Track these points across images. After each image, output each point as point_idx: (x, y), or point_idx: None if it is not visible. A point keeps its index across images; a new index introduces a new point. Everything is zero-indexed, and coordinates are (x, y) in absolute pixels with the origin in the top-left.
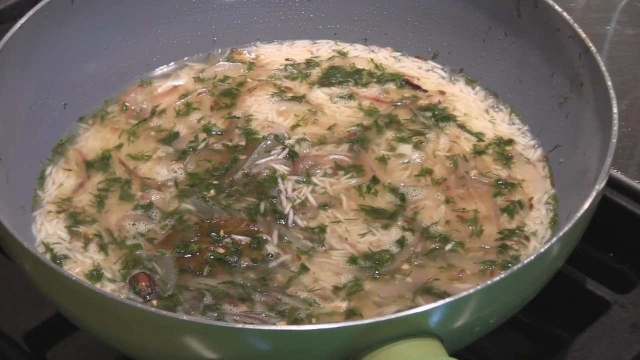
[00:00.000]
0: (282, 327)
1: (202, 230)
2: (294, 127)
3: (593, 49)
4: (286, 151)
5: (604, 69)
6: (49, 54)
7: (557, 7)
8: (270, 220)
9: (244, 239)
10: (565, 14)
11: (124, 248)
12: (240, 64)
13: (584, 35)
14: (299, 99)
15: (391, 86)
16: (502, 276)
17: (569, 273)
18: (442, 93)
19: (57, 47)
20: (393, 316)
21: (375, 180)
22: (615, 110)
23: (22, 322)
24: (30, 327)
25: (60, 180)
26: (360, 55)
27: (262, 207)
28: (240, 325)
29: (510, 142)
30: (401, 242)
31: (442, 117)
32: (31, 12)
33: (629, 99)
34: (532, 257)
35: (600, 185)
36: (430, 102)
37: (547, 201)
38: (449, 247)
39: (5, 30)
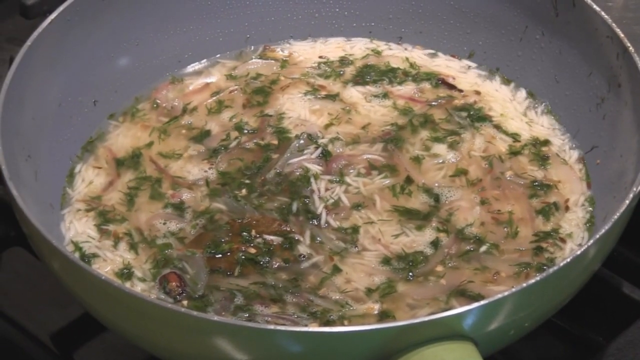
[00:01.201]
0: (314, 328)
1: (233, 230)
2: (327, 126)
3: (631, 48)
4: (319, 150)
5: None
6: (79, 49)
7: (594, 6)
8: (302, 220)
9: (275, 239)
10: (603, 13)
11: (154, 247)
12: (272, 61)
13: (622, 35)
14: (333, 97)
15: (426, 85)
16: (538, 279)
17: (605, 276)
18: (478, 93)
19: (87, 43)
20: (426, 318)
21: (409, 180)
22: None
23: (49, 322)
24: (57, 327)
25: (89, 178)
26: (394, 53)
27: (294, 206)
28: (272, 327)
29: (546, 142)
30: (435, 244)
31: (477, 117)
32: (61, 8)
33: None
34: (568, 260)
35: (637, 188)
36: (465, 101)
37: (583, 203)
38: (483, 248)
39: (35, 25)
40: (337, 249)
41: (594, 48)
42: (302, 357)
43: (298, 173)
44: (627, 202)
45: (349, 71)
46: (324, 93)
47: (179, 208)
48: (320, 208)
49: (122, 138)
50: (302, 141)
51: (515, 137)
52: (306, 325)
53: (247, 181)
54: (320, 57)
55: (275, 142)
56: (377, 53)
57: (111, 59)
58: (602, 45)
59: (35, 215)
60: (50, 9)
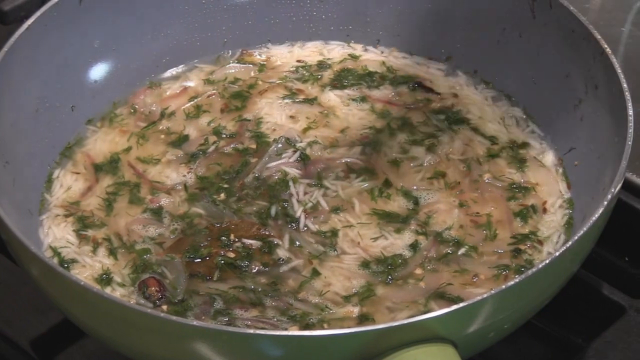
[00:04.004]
0: (294, 332)
1: (212, 234)
2: (305, 130)
3: (608, 50)
4: (297, 154)
5: (619, 70)
6: (57, 55)
7: (571, 8)
8: (281, 224)
9: (254, 243)
10: (580, 14)
11: (133, 252)
12: (250, 65)
13: (598, 37)
14: (311, 101)
15: (403, 88)
16: (516, 280)
17: (584, 277)
18: (455, 95)
19: (64, 48)
20: (405, 321)
21: (387, 184)
22: (631, 112)
23: (29, 327)
24: (37, 333)
25: (67, 184)
26: (372, 57)
27: (273, 210)
28: (251, 331)
29: (524, 145)
30: (414, 246)
31: (455, 119)
32: (38, 13)
33: None
34: (547, 261)
35: (615, 189)
36: (443, 104)
37: (561, 205)
38: (462, 251)
39: (12, 31)
40: (316, 253)
41: (571, 50)
42: None
43: (276, 177)
44: (605, 203)
45: (327, 75)
46: (302, 97)
47: (158, 213)
48: (299, 212)
49: (100, 143)
50: (280, 145)
51: (493, 139)
52: (286, 329)
53: (226, 185)
54: (298, 61)
55: (254, 146)
56: (355, 57)
57: (89, 64)
58: (580, 47)
59: (14, 221)
60: (27, 14)
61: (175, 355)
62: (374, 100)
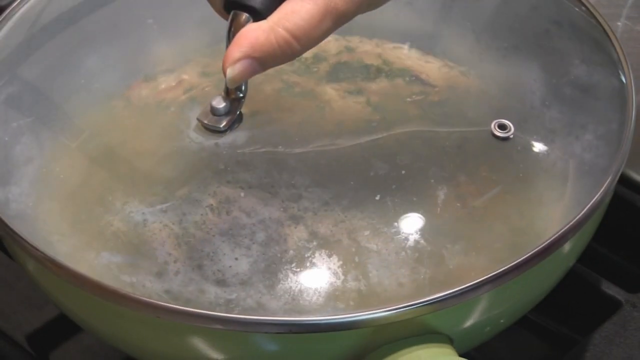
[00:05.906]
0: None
1: None
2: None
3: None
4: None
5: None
6: (50, 48)
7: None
8: None
9: None
10: (576, 9)
11: None
12: None
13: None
14: (306, 94)
15: (399, 81)
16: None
17: (580, 272)
18: (452, 88)
19: (58, 41)
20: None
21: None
22: None
23: (24, 322)
24: (33, 328)
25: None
26: (368, 49)
27: None
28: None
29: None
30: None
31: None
32: (28, 4)
33: None
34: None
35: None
36: (439, 97)
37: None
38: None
39: (3, 24)
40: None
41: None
42: (275, 356)
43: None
44: (602, 198)
45: (323, 68)
46: (298, 90)
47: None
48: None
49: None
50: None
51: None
52: None
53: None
54: None
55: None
56: (351, 50)
57: (83, 57)
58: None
59: (9, 214)
60: (19, 6)
61: (173, 351)
62: (370, 93)
